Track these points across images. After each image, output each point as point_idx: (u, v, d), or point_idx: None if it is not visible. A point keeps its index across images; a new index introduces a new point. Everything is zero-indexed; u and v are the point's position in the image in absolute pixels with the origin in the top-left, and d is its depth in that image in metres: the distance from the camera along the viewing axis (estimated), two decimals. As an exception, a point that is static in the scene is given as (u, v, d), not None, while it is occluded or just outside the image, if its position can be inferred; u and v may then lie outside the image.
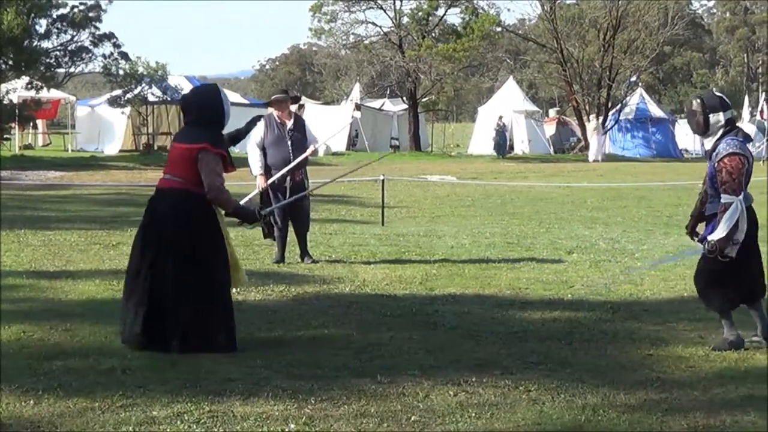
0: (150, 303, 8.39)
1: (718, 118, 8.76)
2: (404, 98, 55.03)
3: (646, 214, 21.34)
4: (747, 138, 8.94)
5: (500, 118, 50.08)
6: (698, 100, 8.90)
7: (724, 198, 8.58)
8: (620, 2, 55.49)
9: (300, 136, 13.52)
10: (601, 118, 52.37)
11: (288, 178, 13.38)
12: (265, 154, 13.40)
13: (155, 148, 46.18)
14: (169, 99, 46.32)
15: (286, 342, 8.88)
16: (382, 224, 18.37)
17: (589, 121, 52.40)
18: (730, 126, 8.81)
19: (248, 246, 14.88)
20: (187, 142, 8.78)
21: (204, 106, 8.95)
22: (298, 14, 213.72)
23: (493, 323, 9.78)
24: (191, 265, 8.44)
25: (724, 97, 9.01)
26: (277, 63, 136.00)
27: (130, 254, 8.81)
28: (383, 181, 19.67)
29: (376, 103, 58.11)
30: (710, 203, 8.90)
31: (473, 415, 6.78)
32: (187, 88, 48.27)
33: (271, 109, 13.67)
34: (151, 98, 45.46)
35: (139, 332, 8.39)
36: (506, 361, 8.29)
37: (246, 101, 54.29)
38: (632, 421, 6.71)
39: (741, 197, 8.57)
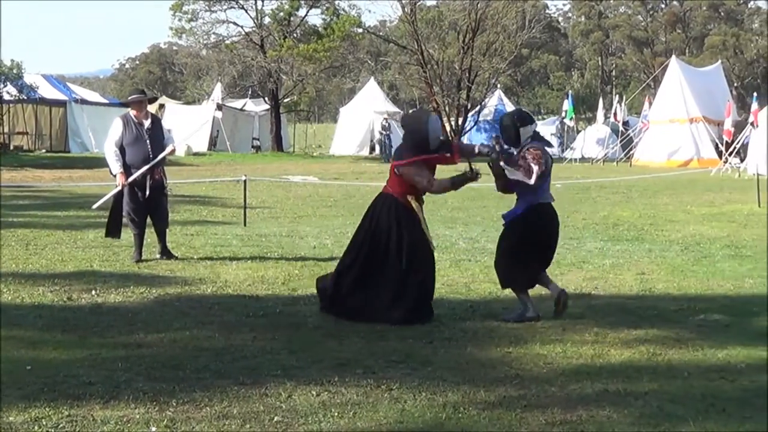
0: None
1: (527, 130, 10.14)
2: (266, 98, 54.85)
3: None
4: (548, 144, 10.48)
5: (385, 119, 50.14)
6: (513, 116, 10.34)
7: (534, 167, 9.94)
8: (479, 5, 56.21)
9: (158, 135, 13.72)
10: (386, 122, 52.01)
11: (148, 177, 13.41)
12: (123, 154, 13.39)
13: (11, 147, 45.08)
14: (25, 98, 45.26)
15: (146, 344, 8.79)
16: (244, 225, 18.28)
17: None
18: (535, 135, 10.23)
19: (108, 248, 14.66)
20: (394, 159, 10.43)
21: (412, 130, 10.24)
22: (159, 13, 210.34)
23: (354, 323, 9.83)
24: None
25: (530, 113, 10.69)
26: (137, 62, 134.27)
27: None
28: (245, 181, 19.59)
29: (237, 104, 57.78)
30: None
31: (336, 414, 6.81)
32: (43, 86, 47.51)
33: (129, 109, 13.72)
34: (6, 97, 44.34)
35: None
36: (368, 360, 8.35)
37: (105, 100, 53.47)
38: (492, 418, 6.82)
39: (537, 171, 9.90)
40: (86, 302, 10.73)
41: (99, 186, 25.05)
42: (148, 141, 13.48)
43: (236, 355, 8.44)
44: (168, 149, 13.77)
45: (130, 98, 14.00)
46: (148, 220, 13.76)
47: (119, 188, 13.42)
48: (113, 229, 13.74)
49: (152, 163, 13.45)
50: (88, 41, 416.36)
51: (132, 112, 13.61)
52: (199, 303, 10.74)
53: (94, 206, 14.44)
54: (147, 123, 13.59)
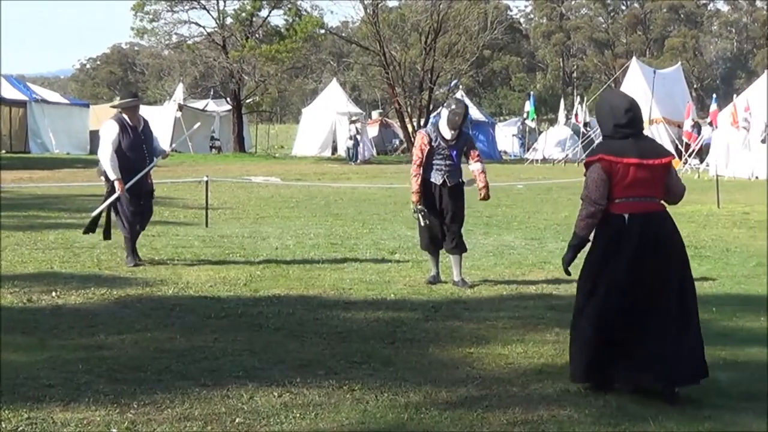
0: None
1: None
2: (228, 99, 54.70)
3: (466, 215, 21.71)
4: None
5: (353, 122, 50.13)
6: (462, 104, 12.59)
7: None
8: (441, 6, 56.33)
9: (151, 138, 13.60)
10: (359, 125, 51.87)
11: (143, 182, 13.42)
12: (118, 158, 13.14)
13: (-32, 150, 44.74)
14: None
15: (107, 346, 8.74)
16: (206, 226, 18.22)
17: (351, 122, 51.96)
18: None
19: (68, 249, 14.58)
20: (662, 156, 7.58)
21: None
22: (120, 13, 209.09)
23: (317, 324, 9.83)
24: None
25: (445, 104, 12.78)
26: (98, 62, 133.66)
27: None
28: (207, 182, 19.54)
29: (199, 104, 57.58)
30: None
31: (298, 415, 6.81)
32: (3, 86, 47.14)
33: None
34: (-37, 98, 44.05)
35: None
36: (330, 361, 8.34)
37: (66, 101, 53.16)
38: (454, 418, 6.84)
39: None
40: (46, 304, 10.65)
41: (59, 187, 24.93)
42: (144, 145, 13.31)
43: (198, 356, 8.41)
44: (162, 155, 13.80)
45: (123, 102, 13.55)
46: None
47: (118, 194, 13.12)
48: (107, 232, 13.67)
49: (149, 168, 13.34)
50: (48, 41, 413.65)
51: (125, 116, 13.28)
52: (160, 304, 10.68)
53: (94, 213, 14.04)
54: (141, 127, 13.35)
